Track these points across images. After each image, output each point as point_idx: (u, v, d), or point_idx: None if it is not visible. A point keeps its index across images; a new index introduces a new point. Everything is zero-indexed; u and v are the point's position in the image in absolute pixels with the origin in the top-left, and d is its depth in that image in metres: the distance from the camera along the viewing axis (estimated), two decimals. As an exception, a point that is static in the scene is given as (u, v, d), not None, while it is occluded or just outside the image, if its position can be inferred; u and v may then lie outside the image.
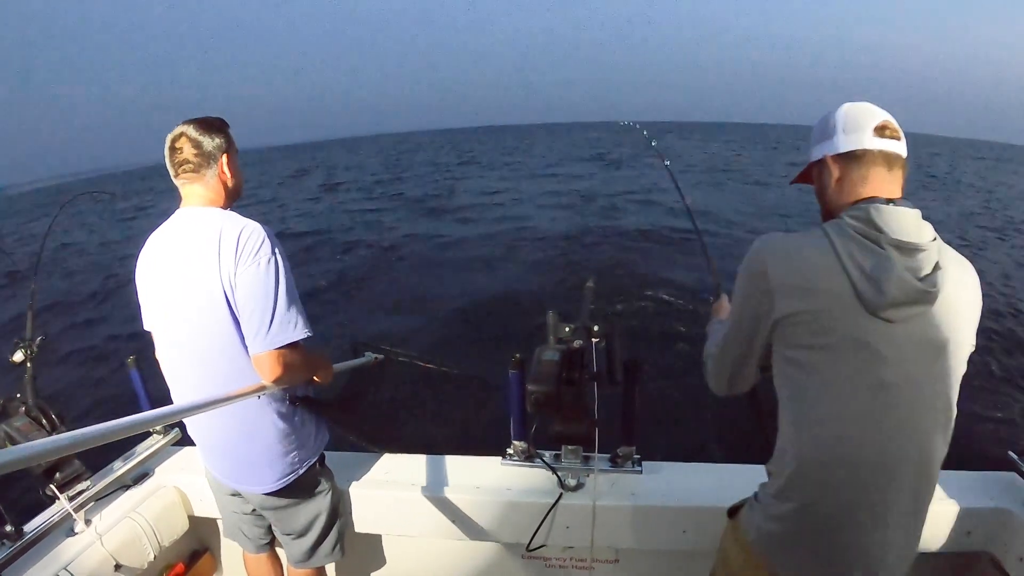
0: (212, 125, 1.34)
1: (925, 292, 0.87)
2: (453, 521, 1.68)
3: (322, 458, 1.55)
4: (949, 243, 0.94)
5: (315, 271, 8.75)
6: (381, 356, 1.91)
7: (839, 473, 0.93)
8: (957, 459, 1.66)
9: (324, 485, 1.57)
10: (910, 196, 0.95)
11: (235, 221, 1.29)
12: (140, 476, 1.81)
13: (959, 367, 0.93)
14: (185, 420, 1.47)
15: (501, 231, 10.82)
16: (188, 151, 1.31)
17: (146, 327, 1.42)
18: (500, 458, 1.75)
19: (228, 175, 1.36)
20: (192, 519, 1.87)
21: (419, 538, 1.87)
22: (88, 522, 1.59)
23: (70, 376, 5.64)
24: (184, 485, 1.83)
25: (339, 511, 1.64)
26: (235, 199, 1.41)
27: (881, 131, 0.95)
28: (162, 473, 1.85)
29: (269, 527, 1.65)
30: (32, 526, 1.53)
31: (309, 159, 53.99)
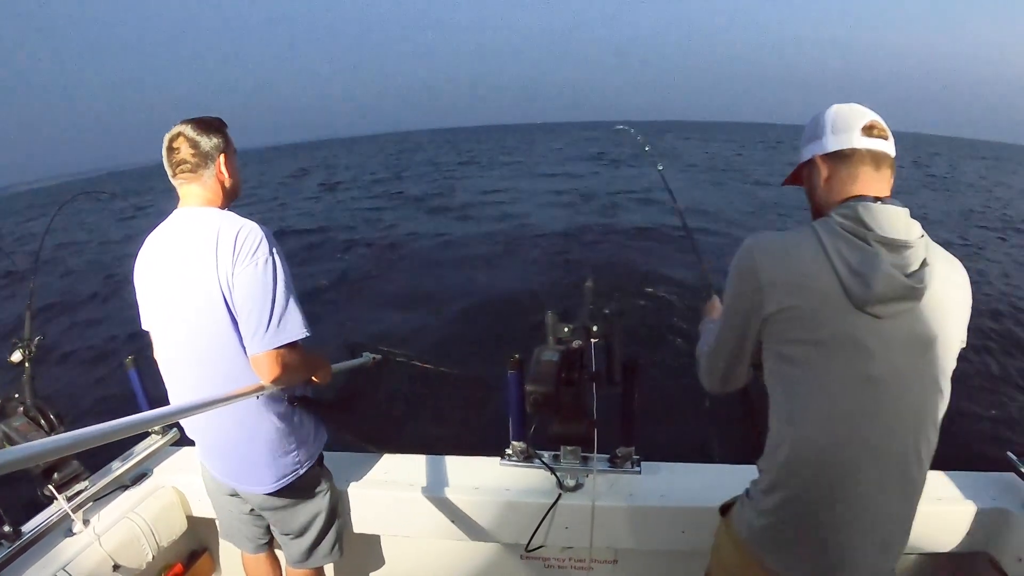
0: (210, 125, 1.34)
1: (912, 288, 0.88)
2: (452, 521, 1.68)
3: (321, 458, 1.55)
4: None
5: (315, 270, 8.75)
6: (379, 356, 1.91)
7: (826, 467, 0.94)
8: (956, 459, 1.66)
9: (323, 485, 1.57)
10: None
11: (233, 221, 1.28)
12: (138, 476, 1.81)
13: (948, 363, 0.94)
14: (183, 420, 1.47)
15: (501, 230, 10.82)
16: (185, 151, 1.31)
17: (144, 327, 1.42)
18: (499, 458, 1.74)
19: (226, 175, 1.36)
20: (191, 519, 1.87)
21: (418, 538, 1.87)
22: (86, 522, 1.59)
23: (69, 376, 5.64)
24: (183, 485, 1.83)
25: (338, 511, 1.64)
26: (233, 199, 1.41)
27: (869, 131, 0.97)
28: (160, 473, 1.85)
29: (267, 527, 1.65)
30: (30, 526, 1.53)
31: (309, 158, 54.00)
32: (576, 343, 1.42)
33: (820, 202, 1.02)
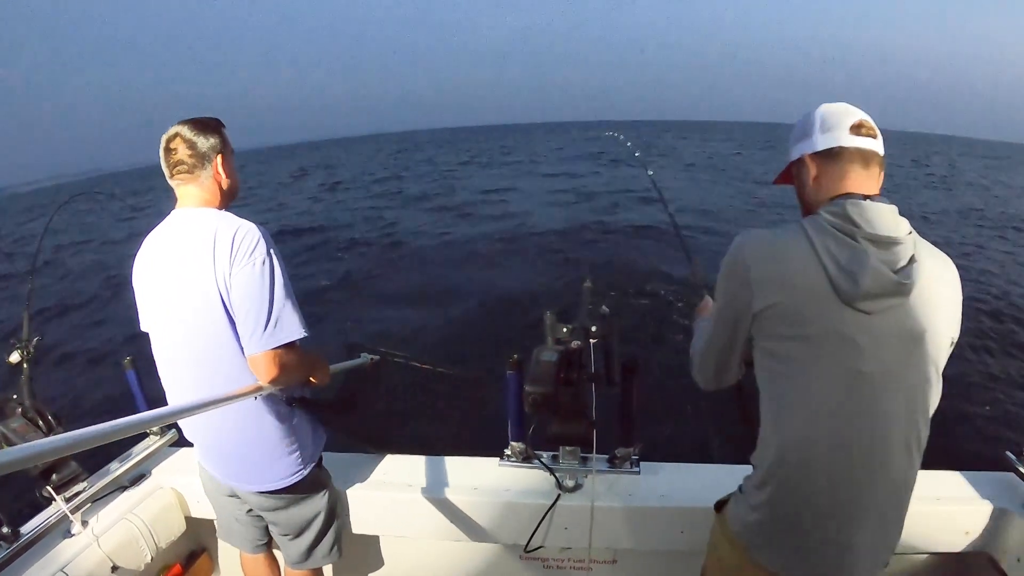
0: (207, 125, 1.33)
1: (900, 284, 0.89)
2: (451, 522, 1.68)
3: (320, 459, 1.54)
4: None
5: (316, 270, 8.76)
6: (376, 357, 1.91)
7: (816, 462, 0.94)
8: (955, 459, 1.66)
9: (322, 486, 1.56)
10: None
11: (230, 222, 1.28)
12: (137, 477, 1.80)
13: (938, 358, 0.94)
14: (181, 422, 1.47)
15: (501, 229, 10.83)
16: (183, 152, 1.30)
17: (143, 328, 1.41)
18: (498, 459, 1.74)
19: (223, 176, 1.36)
20: (189, 520, 1.86)
21: (417, 539, 1.87)
22: (85, 523, 1.59)
23: (68, 377, 5.64)
24: (181, 486, 1.83)
25: (336, 512, 1.64)
26: (231, 200, 1.41)
27: (857, 129, 0.97)
28: (159, 474, 1.84)
29: (266, 528, 1.64)
30: (29, 528, 1.52)
31: (308, 158, 54.00)
32: (575, 343, 1.42)
33: (809, 200, 1.03)
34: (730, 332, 1.03)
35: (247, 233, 1.25)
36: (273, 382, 1.28)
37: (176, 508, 1.82)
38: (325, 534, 1.60)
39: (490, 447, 1.77)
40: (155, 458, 1.90)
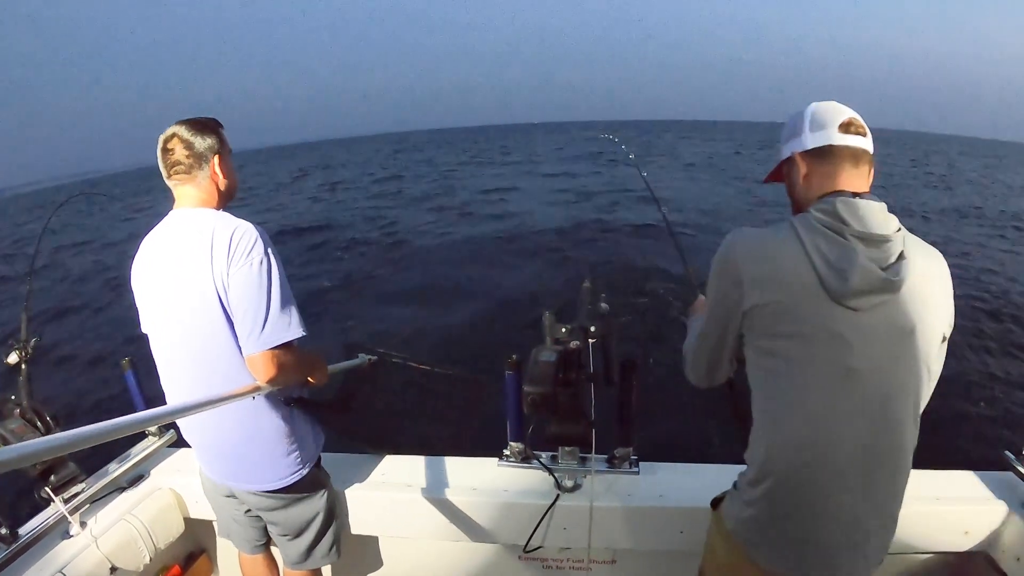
0: (204, 125, 1.33)
1: (889, 281, 0.89)
2: (450, 522, 1.67)
3: (319, 459, 1.54)
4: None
5: (316, 270, 8.76)
6: (375, 357, 1.91)
7: (807, 458, 0.94)
8: (954, 459, 1.66)
9: (321, 486, 1.56)
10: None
11: (227, 222, 1.28)
12: (136, 478, 1.80)
13: (929, 355, 0.95)
14: (179, 421, 1.47)
15: (501, 229, 10.83)
16: (180, 152, 1.30)
17: (143, 329, 1.41)
18: (497, 459, 1.74)
19: (220, 176, 1.35)
20: (188, 521, 1.86)
21: (416, 539, 1.86)
22: (83, 525, 1.58)
23: (67, 379, 5.63)
24: (180, 487, 1.83)
25: (335, 512, 1.63)
26: (229, 200, 1.41)
27: (847, 128, 0.98)
28: (158, 475, 1.84)
29: (265, 528, 1.64)
30: (27, 529, 1.52)
31: (308, 158, 54.00)
32: (574, 343, 1.42)
33: (800, 198, 1.03)
34: (721, 330, 1.04)
35: (244, 233, 1.25)
36: (271, 382, 1.28)
37: (175, 509, 1.82)
38: (324, 534, 1.59)
39: (489, 447, 1.76)
40: (154, 459, 1.89)
